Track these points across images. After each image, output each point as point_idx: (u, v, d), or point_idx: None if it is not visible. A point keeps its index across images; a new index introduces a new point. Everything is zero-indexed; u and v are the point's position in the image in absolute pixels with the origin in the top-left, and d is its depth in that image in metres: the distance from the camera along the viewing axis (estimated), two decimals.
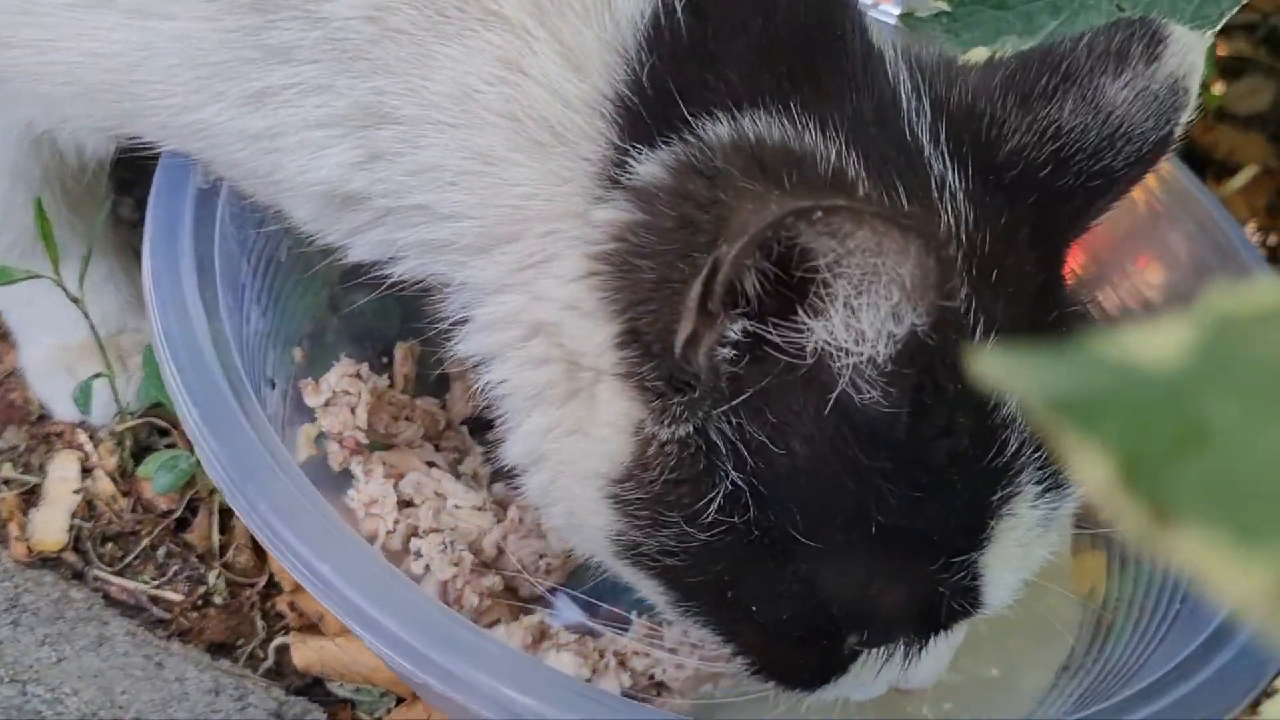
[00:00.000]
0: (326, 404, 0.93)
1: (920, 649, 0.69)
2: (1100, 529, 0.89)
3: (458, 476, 0.97)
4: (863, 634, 0.67)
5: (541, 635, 0.88)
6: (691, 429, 0.62)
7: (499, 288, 0.67)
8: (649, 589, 0.70)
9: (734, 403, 0.61)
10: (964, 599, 0.66)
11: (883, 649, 0.69)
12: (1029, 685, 0.88)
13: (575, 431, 0.66)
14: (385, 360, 1.02)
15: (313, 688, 0.91)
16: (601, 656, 0.86)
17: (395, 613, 0.64)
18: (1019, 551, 0.66)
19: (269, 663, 0.92)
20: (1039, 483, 0.64)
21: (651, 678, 0.87)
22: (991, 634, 0.85)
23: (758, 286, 0.58)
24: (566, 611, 0.92)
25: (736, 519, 0.63)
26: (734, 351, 0.60)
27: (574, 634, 0.87)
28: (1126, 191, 0.69)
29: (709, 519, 0.63)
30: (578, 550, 0.74)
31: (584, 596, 0.87)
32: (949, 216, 0.61)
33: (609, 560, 0.70)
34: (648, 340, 0.61)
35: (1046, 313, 0.65)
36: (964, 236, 0.61)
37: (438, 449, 0.99)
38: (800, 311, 0.59)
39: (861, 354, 0.58)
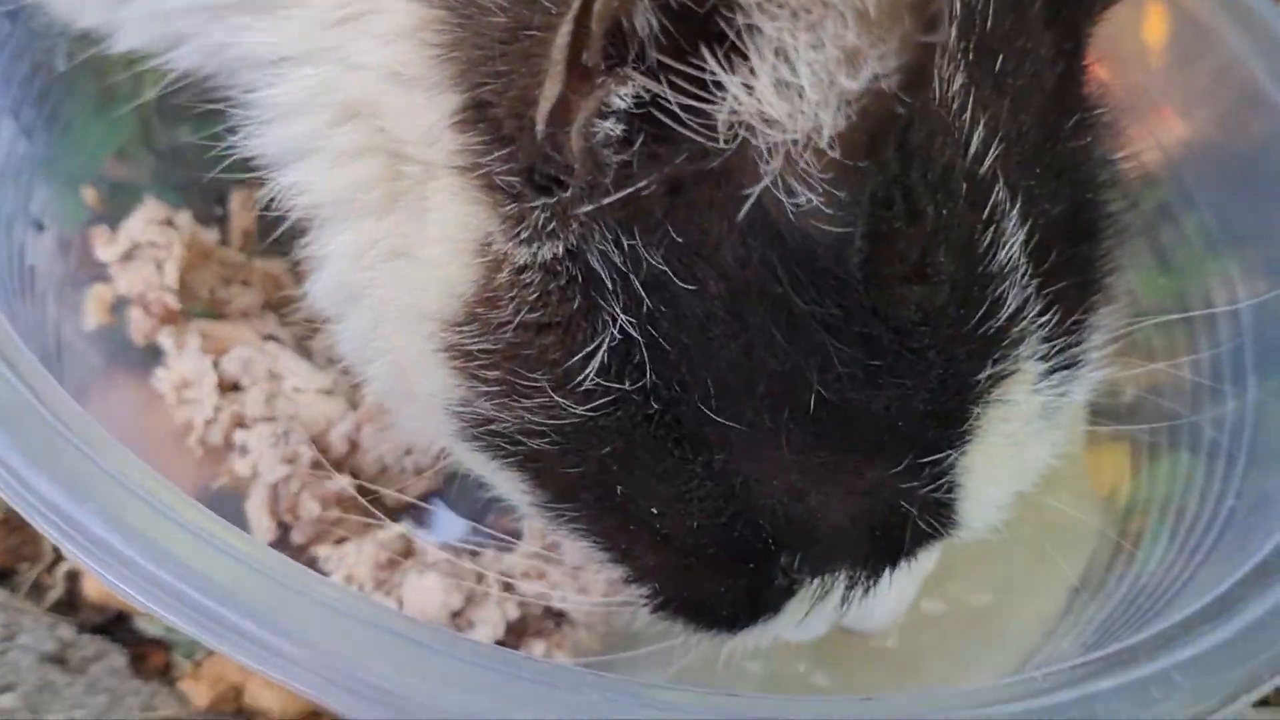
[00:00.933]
0: (125, 258, 0.72)
1: (875, 581, 0.52)
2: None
3: (308, 356, 0.76)
4: (798, 558, 0.50)
5: (404, 554, 0.68)
6: (561, 250, 0.45)
7: (298, 57, 0.50)
8: (509, 485, 0.51)
9: (615, 203, 0.42)
10: (935, 516, 0.50)
11: (826, 578, 0.52)
12: (1033, 611, 0.69)
13: (399, 254, 0.49)
14: (220, 211, 0.81)
15: (115, 624, 0.71)
16: (480, 580, 0.66)
17: (117, 525, 0.44)
18: (1011, 453, 0.50)
19: (58, 592, 0.72)
20: (1044, 359, 0.48)
21: (548, 607, 0.67)
22: (983, 544, 0.65)
23: (653, 24, 0.39)
24: (442, 526, 0.72)
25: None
26: (621, 129, 0.42)
27: (446, 552, 0.67)
28: None
29: (588, 384, 0.46)
30: (406, 429, 0.54)
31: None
32: None
33: (451, 443, 0.51)
34: (497, 116, 0.45)
35: (1065, 115, 0.49)
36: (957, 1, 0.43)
37: (283, 322, 0.78)
38: (711, 61, 0.39)
39: (796, 129, 0.39)
